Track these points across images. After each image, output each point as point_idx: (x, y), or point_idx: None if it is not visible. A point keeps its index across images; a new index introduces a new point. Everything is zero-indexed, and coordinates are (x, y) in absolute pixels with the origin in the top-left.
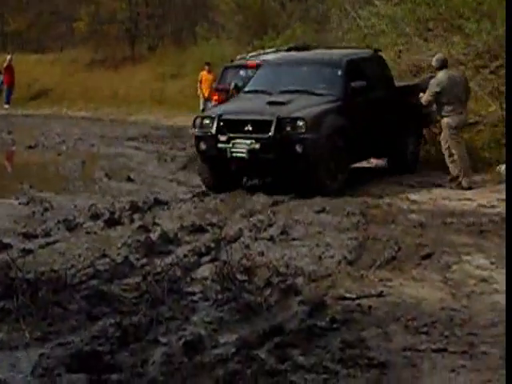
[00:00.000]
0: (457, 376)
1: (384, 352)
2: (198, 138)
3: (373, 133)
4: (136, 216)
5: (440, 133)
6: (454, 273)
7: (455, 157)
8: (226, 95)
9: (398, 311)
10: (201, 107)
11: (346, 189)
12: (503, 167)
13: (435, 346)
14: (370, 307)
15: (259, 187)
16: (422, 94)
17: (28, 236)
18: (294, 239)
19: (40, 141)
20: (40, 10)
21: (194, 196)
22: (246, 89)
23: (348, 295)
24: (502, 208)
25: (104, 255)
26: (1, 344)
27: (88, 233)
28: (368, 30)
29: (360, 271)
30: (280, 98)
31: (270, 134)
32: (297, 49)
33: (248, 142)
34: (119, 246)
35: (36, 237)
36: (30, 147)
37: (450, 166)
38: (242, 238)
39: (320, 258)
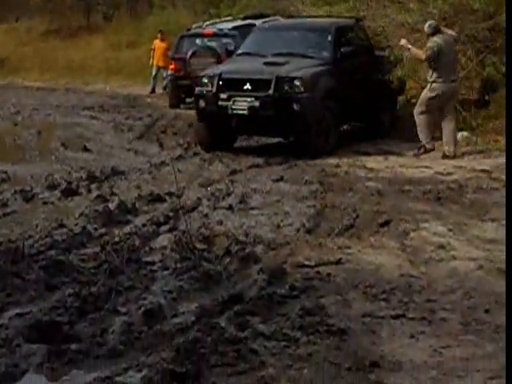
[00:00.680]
0: (416, 342)
1: (343, 319)
2: (197, 96)
3: (357, 97)
4: (93, 186)
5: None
6: (411, 240)
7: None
8: (182, 64)
9: (356, 278)
10: (152, 74)
11: (303, 157)
12: (459, 134)
13: (394, 313)
14: (329, 274)
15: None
16: (411, 47)
17: None
18: (252, 208)
19: None
20: None
21: (151, 165)
22: (239, 52)
23: (307, 263)
24: (458, 175)
25: (62, 225)
26: None
27: (45, 203)
28: None
29: (319, 239)
30: (275, 59)
31: (269, 91)
32: (253, 17)
33: (248, 99)
34: (77, 216)
35: None
36: None
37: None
38: (200, 207)
39: (279, 226)
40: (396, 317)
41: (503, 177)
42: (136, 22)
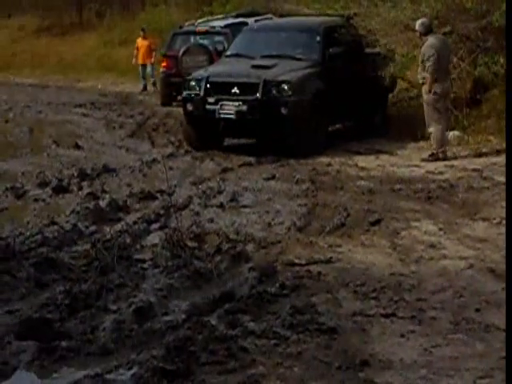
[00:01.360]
0: (406, 340)
1: (334, 317)
2: (185, 100)
3: (347, 97)
4: (85, 183)
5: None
6: (402, 239)
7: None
8: (174, 61)
9: (347, 277)
10: (140, 74)
11: (294, 156)
12: (451, 133)
13: (384, 311)
14: (319, 273)
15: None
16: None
17: None
18: (243, 206)
19: None
20: None
21: (142, 163)
22: (228, 53)
23: (298, 261)
24: (449, 174)
25: (53, 222)
26: None
27: (36, 200)
28: None
29: (309, 237)
30: (263, 62)
31: (257, 95)
32: (245, 15)
33: (236, 103)
34: (68, 213)
35: None
36: None
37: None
38: (191, 206)
39: (270, 224)
40: (386, 315)
41: (494, 176)
42: (128, 19)
